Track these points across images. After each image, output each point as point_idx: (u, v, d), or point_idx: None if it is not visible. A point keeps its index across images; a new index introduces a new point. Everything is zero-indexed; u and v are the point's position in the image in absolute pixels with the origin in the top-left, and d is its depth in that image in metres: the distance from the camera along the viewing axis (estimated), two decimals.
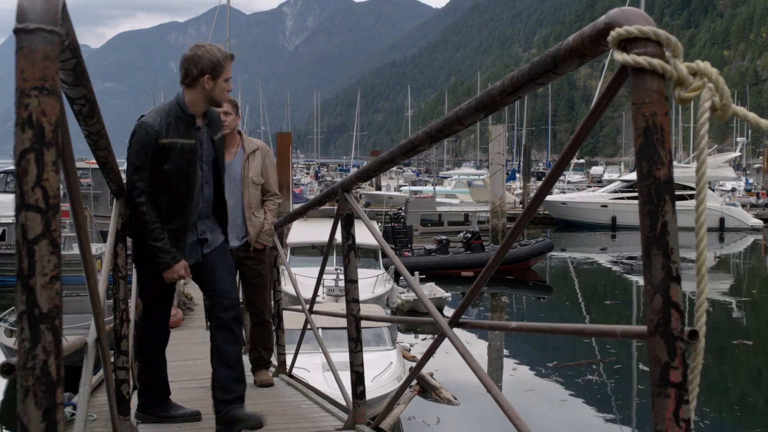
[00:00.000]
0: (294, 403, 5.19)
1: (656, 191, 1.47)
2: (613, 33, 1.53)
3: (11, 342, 14.09)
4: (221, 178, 4.58)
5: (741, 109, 1.49)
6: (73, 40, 1.51)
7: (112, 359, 3.90)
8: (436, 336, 3.06)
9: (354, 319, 3.85)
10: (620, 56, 1.51)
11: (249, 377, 6.31)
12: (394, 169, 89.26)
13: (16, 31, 1.26)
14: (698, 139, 1.48)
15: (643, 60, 1.47)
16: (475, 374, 2.56)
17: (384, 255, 24.06)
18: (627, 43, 1.51)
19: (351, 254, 3.91)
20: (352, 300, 3.90)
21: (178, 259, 4.36)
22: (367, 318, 4.10)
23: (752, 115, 1.50)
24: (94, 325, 2.30)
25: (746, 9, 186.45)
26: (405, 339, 18.28)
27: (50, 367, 1.22)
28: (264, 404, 5.17)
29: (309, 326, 5.81)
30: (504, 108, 2.10)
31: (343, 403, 4.50)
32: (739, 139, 63.70)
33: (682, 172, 44.42)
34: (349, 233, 3.96)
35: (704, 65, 1.48)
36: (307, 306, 5.89)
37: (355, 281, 3.92)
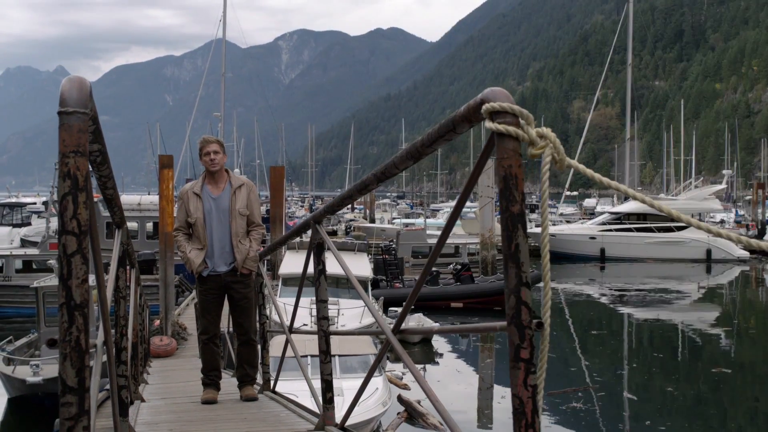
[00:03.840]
0: (274, 412, 5.77)
1: (512, 221, 2.05)
2: (484, 107, 2.12)
3: (9, 370, 14.55)
4: None
5: (573, 162, 2.08)
6: (94, 113, 2.09)
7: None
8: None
9: (324, 334, 4.45)
10: (488, 124, 2.11)
11: (235, 393, 6.88)
12: (388, 201, 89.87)
13: (60, 113, 1.86)
14: (541, 184, 2.06)
15: (502, 128, 2.06)
16: (415, 378, 3.11)
17: (374, 286, 24.63)
18: (494, 115, 2.10)
19: (321, 278, 4.52)
20: (323, 317, 4.50)
21: None
22: (335, 333, 4.67)
23: (581, 166, 2.08)
24: (102, 329, 2.87)
25: (737, 43, 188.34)
26: (396, 368, 18.71)
27: (81, 340, 1.80)
28: (247, 413, 5.76)
29: (299, 351, 6.33)
30: (425, 156, 2.70)
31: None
32: (725, 172, 64.57)
33: (669, 204, 45.15)
34: (319, 259, 4.56)
35: (546, 131, 2.06)
36: (290, 332, 6.47)
37: (325, 301, 4.51)
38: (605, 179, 2.10)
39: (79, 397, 1.78)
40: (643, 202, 2.02)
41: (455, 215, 2.59)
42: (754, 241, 1.90)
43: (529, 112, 2.07)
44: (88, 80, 1.97)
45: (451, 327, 2.69)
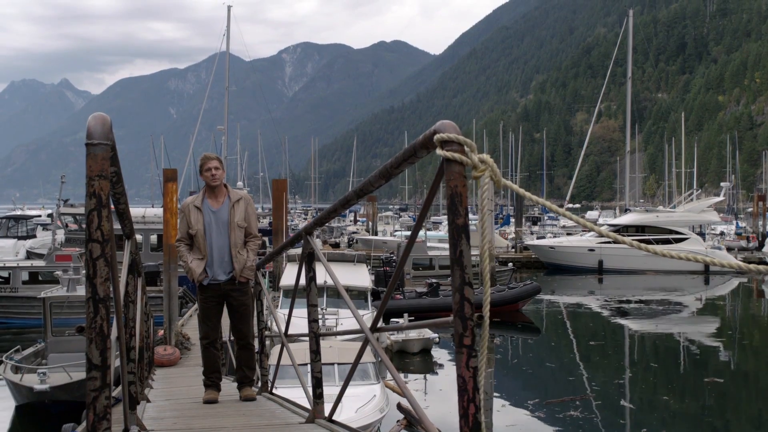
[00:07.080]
0: (270, 409, 6.22)
1: (457, 232, 2.49)
2: (436, 137, 2.56)
3: (17, 378, 14.93)
4: None
5: (509, 182, 2.52)
6: (113, 143, 2.53)
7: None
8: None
9: (314, 335, 4.89)
10: (439, 151, 2.54)
11: (235, 394, 7.31)
12: (390, 214, 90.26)
13: (87, 144, 2.30)
14: (481, 200, 2.49)
15: (449, 154, 2.50)
16: (391, 375, 3.54)
17: (375, 297, 25.02)
18: (444, 144, 2.54)
19: (312, 284, 4.97)
20: (313, 320, 4.95)
21: None
22: (323, 334, 5.11)
23: (515, 186, 2.52)
24: (116, 325, 3.30)
25: (740, 55, 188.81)
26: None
27: (104, 327, 2.24)
28: (245, 410, 6.21)
29: (301, 360, 6.77)
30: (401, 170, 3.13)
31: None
32: (723, 184, 64.81)
33: (667, 216, 45.56)
34: (310, 267, 5.01)
35: (486, 156, 2.50)
36: (286, 338, 6.92)
37: (315, 305, 4.96)
38: (534, 197, 2.53)
39: (102, 372, 2.22)
40: (564, 215, 2.45)
41: (418, 227, 3.03)
42: (723, 260, 2.30)
43: (473, 142, 2.51)
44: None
45: (415, 323, 3.12)
